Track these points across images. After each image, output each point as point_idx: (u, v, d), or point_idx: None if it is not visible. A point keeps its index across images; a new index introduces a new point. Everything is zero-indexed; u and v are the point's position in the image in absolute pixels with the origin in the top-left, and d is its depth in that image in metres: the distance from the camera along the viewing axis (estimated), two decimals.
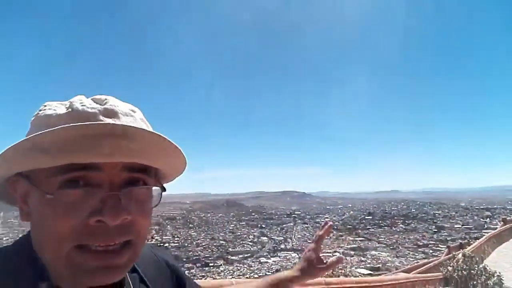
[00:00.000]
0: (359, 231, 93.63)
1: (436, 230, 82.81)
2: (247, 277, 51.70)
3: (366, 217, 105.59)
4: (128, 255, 0.56)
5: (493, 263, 12.26)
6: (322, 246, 1.14)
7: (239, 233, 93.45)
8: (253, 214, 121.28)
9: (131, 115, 0.58)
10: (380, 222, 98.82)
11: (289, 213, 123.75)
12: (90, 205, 0.52)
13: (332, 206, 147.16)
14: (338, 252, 72.20)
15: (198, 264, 67.85)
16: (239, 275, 55.03)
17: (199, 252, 75.86)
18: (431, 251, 61.85)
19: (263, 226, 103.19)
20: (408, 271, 13.01)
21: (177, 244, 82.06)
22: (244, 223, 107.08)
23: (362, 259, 66.53)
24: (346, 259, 64.73)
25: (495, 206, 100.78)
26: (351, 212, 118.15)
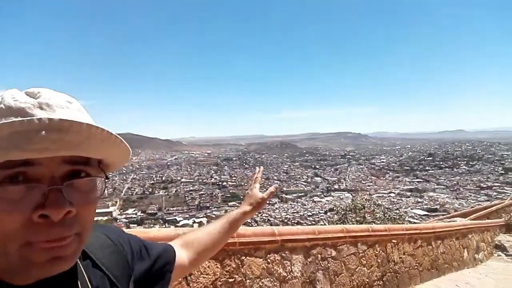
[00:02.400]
0: (417, 172, 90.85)
1: (503, 172, 77.51)
2: (301, 215, 53.72)
3: (426, 158, 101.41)
4: (74, 245, 0.56)
5: None
6: (259, 184, 1.42)
7: (293, 173, 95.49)
8: (306, 155, 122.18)
9: (66, 107, 0.57)
10: (441, 163, 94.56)
11: (343, 154, 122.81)
12: (32, 201, 0.52)
13: (390, 147, 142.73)
14: (394, 193, 71.44)
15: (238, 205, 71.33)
16: (293, 212, 57.28)
17: None
18: (495, 193, 58.54)
19: (317, 167, 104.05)
20: (467, 214, 12.47)
21: (234, 182, 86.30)
22: (298, 163, 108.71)
23: (419, 200, 65.22)
24: (402, 200, 64.14)
25: None
26: (410, 153, 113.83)
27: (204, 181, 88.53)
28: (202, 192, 78.75)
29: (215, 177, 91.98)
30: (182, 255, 1.00)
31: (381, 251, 4.52)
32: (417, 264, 5.17)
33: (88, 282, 0.67)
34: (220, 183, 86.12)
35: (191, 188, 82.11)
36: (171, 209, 69.52)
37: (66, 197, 0.53)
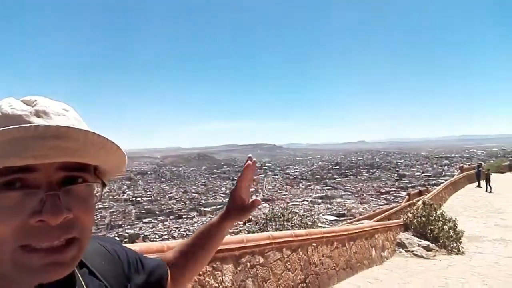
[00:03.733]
0: (327, 180, 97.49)
1: (398, 178, 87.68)
2: None
3: (334, 167, 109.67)
4: (73, 251, 0.56)
5: (449, 209, 13.23)
6: (248, 186, 1.11)
7: (211, 186, 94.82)
8: (224, 166, 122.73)
9: (63, 115, 0.57)
10: (347, 171, 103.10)
11: (260, 165, 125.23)
12: (30, 206, 0.52)
13: (302, 158, 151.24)
14: (307, 200, 75.64)
15: (171, 217, 68.89)
16: None
17: (172, 205, 76.74)
18: (392, 197, 65.78)
19: (235, 178, 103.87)
20: (371, 217, 13.78)
21: (150, 198, 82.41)
22: (216, 175, 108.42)
23: (329, 206, 69.88)
24: (314, 207, 68.16)
25: (453, 155, 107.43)
26: (320, 162, 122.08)
27: (115, 197, 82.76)
28: (113, 210, 73.43)
29: (127, 192, 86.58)
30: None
31: (303, 255, 4.75)
32: (334, 265, 5.54)
33: None
34: (134, 198, 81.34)
35: (100, 206, 75.96)
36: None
37: (63, 203, 0.54)
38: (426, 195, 15.52)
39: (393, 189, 77.20)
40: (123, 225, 64.89)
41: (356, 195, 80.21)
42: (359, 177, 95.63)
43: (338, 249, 5.81)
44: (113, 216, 69.51)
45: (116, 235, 55.47)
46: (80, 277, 0.67)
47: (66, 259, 0.55)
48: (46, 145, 0.50)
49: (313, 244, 5.06)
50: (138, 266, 0.85)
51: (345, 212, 61.63)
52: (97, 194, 0.62)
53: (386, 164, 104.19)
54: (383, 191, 77.49)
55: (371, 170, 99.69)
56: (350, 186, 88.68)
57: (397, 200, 48.23)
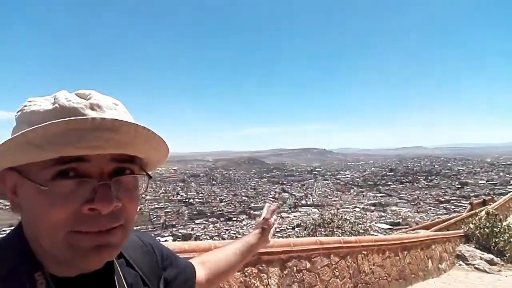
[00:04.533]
0: (380, 187, 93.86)
1: (459, 186, 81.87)
2: None
3: (388, 174, 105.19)
4: (119, 235, 0.59)
5: None
6: (274, 219, 1.27)
7: (260, 189, 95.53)
8: (274, 171, 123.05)
9: (114, 109, 0.61)
10: (402, 178, 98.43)
11: (310, 169, 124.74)
12: (83, 195, 0.55)
13: (353, 163, 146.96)
14: (358, 207, 73.25)
15: (221, 219, 70.46)
16: None
17: (222, 208, 78.44)
18: (453, 207, 61.56)
19: (284, 182, 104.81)
20: (428, 226, 13.00)
21: (201, 200, 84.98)
22: (265, 179, 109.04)
23: (383, 214, 67.20)
24: (366, 214, 65.80)
25: None
26: (373, 168, 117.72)
27: (170, 198, 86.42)
28: (167, 210, 76.73)
29: (181, 194, 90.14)
30: (200, 274, 1.00)
31: (352, 263, 4.61)
32: (386, 275, 5.30)
33: (123, 280, 0.70)
34: (187, 200, 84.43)
35: (156, 206, 79.81)
36: (135, 228, 66.89)
37: (114, 193, 0.57)
38: (490, 204, 14.28)
39: (454, 198, 72.18)
40: (176, 225, 67.58)
41: (413, 203, 76.25)
42: (415, 184, 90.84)
43: (390, 259, 5.55)
44: (168, 216, 72.64)
45: (170, 234, 57.90)
46: (118, 266, 0.71)
47: (114, 241, 0.58)
48: (102, 137, 0.53)
49: (363, 252, 4.89)
50: (172, 261, 0.89)
51: (400, 220, 58.82)
52: (143, 185, 0.65)
53: (446, 171, 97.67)
54: (443, 199, 72.76)
55: (429, 177, 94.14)
56: (405, 194, 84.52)
57: (458, 210, 45.09)
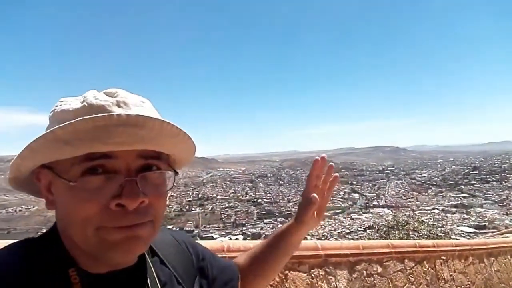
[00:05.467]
0: (462, 187, 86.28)
1: None
2: (338, 232, 52.26)
3: (471, 172, 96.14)
4: (148, 228, 0.60)
5: None
6: (316, 186, 0.99)
7: None
8: (342, 170, 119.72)
9: (141, 106, 0.63)
10: (488, 177, 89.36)
11: (381, 169, 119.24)
12: (110, 190, 0.57)
13: (431, 161, 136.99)
14: (437, 209, 68.01)
15: (289, 218, 69.95)
16: (330, 230, 55.89)
17: (290, 208, 78.40)
18: None
19: (354, 182, 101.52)
20: None
21: (270, 199, 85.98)
22: None
23: (466, 216, 61.69)
24: (446, 216, 60.86)
25: None
26: (453, 166, 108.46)
27: (239, 198, 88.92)
28: (237, 209, 78.99)
29: (250, 194, 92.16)
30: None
31: (429, 268, 4.30)
32: (469, 283, 4.86)
33: (156, 278, 0.71)
34: (255, 200, 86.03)
35: (227, 205, 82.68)
36: (208, 226, 70.16)
37: (140, 188, 0.58)
38: None
39: None
40: (246, 224, 69.26)
41: (501, 204, 68.86)
42: (504, 184, 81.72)
43: (474, 265, 5.06)
44: (238, 215, 74.76)
45: (241, 233, 59.58)
46: (151, 264, 0.72)
47: (143, 234, 0.59)
48: (127, 132, 0.55)
49: (442, 257, 4.52)
50: (211, 262, 0.88)
51: (486, 223, 53.47)
52: (170, 182, 0.66)
53: None
54: None
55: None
56: (492, 194, 76.56)
57: None
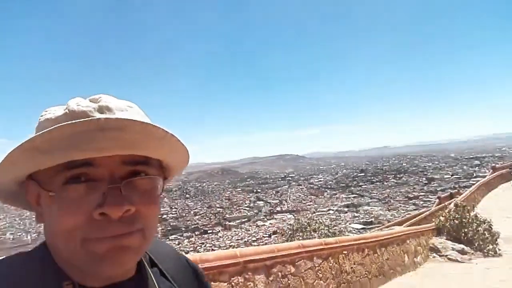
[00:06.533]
0: (352, 188, 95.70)
1: (426, 182, 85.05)
2: (245, 241, 53.20)
3: (359, 175, 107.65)
4: (137, 238, 0.57)
5: (482, 210, 12.72)
6: None
7: (235, 200, 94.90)
8: (248, 180, 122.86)
9: (126, 110, 0.59)
10: (372, 178, 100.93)
11: (283, 176, 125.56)
12: (93, 200, 0.54)
13: (326, 166, 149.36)
14: (332, 210, 74.40)
15: (196, 232, 69.22)
16: (237, 239, 56.57)
17: (197, 221, 77.24)
18: (421, 202, 63.74)
19: (259, 190, 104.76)
20: (400, 223, 13.43)
21: (175, 214, 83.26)
22: (239, 189, 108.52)
23: (356, 214, 68.42)
24: (340, 216, 66.90)
25: (484, 155, 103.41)
26: (344, 170, 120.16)
27: None
28: None
29: None
30: None
31: (334, 263, 4.70)
32: (366, 272, 5.43)
33: None
34: (160, 216, 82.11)
35: None
36: None
37: (125, 196, 0.55)
38: (457, 197, 15.00)
39: (422, 193, 74.78)
40: None
41: (384, 201, 78.19)
42: (385, 183, 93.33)
43: (369, 256, 5.70)
44: None
45: None
46: (152, 275, 0.68)
47: (133, 244, 0.56)
48: (107, 137, 0.52)
49: (344, 252, 4.99)
50: (203, 279, 0.85)
51: (373, 219, 60.09)
52: (159, 188, 0.63)
53: (414, 168, 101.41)
54: (412, 196, 75.21)
55: (398, 175, 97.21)
56: (376, 193, 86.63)
57: (426, 204, 46.74)
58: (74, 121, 0.51)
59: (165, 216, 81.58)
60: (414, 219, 13.64)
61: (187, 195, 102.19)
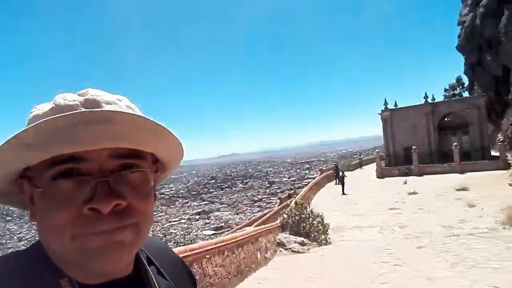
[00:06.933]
0: (203, 195, 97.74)
1: (268, 185, 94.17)
2: None
3: (210, 182, 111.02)
4: (130, 232, 0.56)
5: (315, 206, 14.92)
6: None
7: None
8: None
9: (114, 103, 0.58)
10: (222, 184, 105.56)
11: None
12: (82, 195, 0.53)
13: (177, 175, 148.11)
14: (184, 218, 74.29)
15: None
16: None
17: (21, 246, 64.95)
18: (265, 204, 69.98)
19: None
20: (249, 224, 14.48)
21: None
22: None
23: (207, 221, 69.99)
24: (192, 224, 67.40)
25: (312, 159, 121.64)
26: (196, 178, 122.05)
27: None
28: None
29: None
30: None
31: (198, 268, 4.74)
32: (226, 273, 5.68)
33: (156, 287, 0.67)
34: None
35: None
36: None
37: (114, 190, 0.54)
38: (295, 197, 17.15)
39: (265, 196, 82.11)
40: None
41: (232, 206, 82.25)
42: (234, 189, 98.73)
43: (229, 257, 5.97)
44: None
45: None
46: (150, 273, 0.68)
47: (125, 239, 0.55)
48: (93, 130, 0.51)
49: (207, 256, 5.10)
50: (196, 283, 0.84)
51: (223, 224, 62.56)
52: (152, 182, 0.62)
53: (258, 173, 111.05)
54: (256, 199, 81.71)
55: (244, 180, 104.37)
56: (226, 199, 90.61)
57: (269, 206, 51.52)
58: (57, 115, 0.50)
59: None
60: (261, 219, 14.92)
61: (7, 217, 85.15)
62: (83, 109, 0.54)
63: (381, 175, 29.11)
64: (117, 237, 0.54)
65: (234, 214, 72.70)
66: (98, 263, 0.54)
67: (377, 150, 37.78)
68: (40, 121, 0.50)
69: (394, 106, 33.86)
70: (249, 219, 21.92)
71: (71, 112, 0.50)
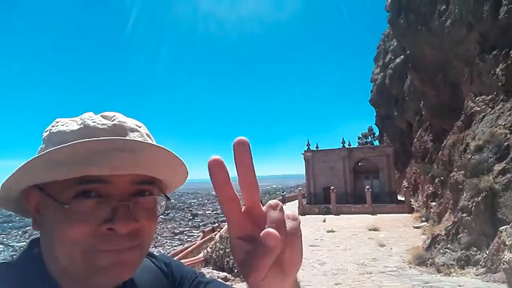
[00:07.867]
0: None
1: (191, 217, 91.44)
2: None
3: None
4: (137, 253, 0.60)
5: None
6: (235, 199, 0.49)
7: None
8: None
9: (137, 130, 0.63)
10: None
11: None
12: (102, 214, 0.56)
13: None
14: None
15: None
16: None
17: None
18: (186, 237, 67.38)
19: None
20: (173, 256, 13.80)
21: None
22: None
23: None
24: None
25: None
26: None
27: None
28: None
29: None
30: None
31: None
32: None
33: None
34: None
35: None
36: None
37: (132, 213, 0.58)
38: (218, 231, 16.90)
39: (187, 228, 79.36)
40: None
41: None
42: None
43: None
44: None
45: None
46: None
47: (132, 259, 0.59)
48: (122, 157, 0.55)
49: None
50: (196, 285, 0.83)
51: None
52: (161, 208, 0.67)
53: (181, 204, 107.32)
54: (177, 231, 78.49)
55: (166, 212, 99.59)
56: None
57: (190, 239, 49.57)
58: (95, 139, 0.54)
59: None
60: (182, 253, 14.38)
61: None
62: (113, 135, 0.58)
63: (302, 212, 30.15)
64: (125, 256, 0.57)
65: (152, 247, 68.45)
66: (104, 279, 0.57)
67: (299, 188, 39.21)
68: (76, 142, 0.53)
69: (316, 148, 35.94)
70: (168, 253, 20.88)
71: (108, 138, 0.55)
